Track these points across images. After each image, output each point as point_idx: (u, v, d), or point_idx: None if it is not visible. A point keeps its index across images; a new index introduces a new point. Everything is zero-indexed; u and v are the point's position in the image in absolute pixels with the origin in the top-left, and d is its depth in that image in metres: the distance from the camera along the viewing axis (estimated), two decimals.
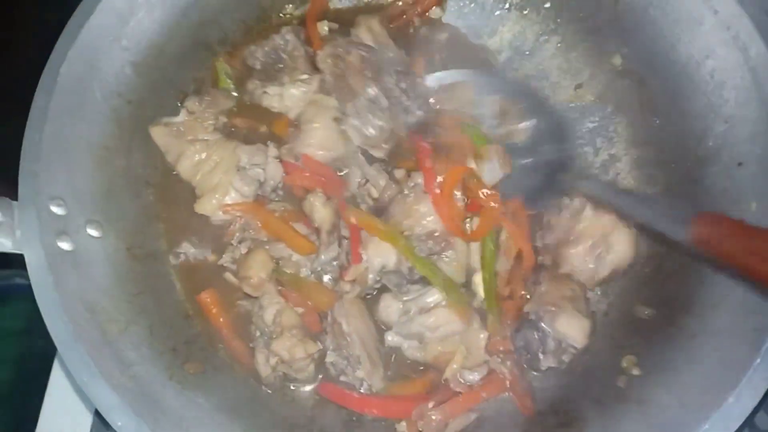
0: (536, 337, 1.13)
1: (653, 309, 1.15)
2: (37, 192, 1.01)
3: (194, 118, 1.26)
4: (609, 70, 1.33)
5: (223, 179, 1.21)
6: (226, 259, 1.23)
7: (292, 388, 1.18)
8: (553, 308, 1.13)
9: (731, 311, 1.00)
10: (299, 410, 1.17)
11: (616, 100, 1.34)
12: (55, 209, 1.03)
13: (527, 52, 1.42)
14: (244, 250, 1.22)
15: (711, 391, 0.91)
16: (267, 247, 1.21)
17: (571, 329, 1.12)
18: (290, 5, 1.42)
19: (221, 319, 1.20)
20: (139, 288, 1.13)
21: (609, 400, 1.07)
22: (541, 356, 1.13)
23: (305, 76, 1.30)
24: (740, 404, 0.88)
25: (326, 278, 1.21)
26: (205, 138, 1.24)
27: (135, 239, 1.17)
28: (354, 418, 1.16)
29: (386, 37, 1.35)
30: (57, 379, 1.31)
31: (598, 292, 1.24)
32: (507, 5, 1.43)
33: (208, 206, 1.21)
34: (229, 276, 1.22)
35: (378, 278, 1.18)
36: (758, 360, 0.89)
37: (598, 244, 1.18)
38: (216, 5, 1.31)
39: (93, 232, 1.09)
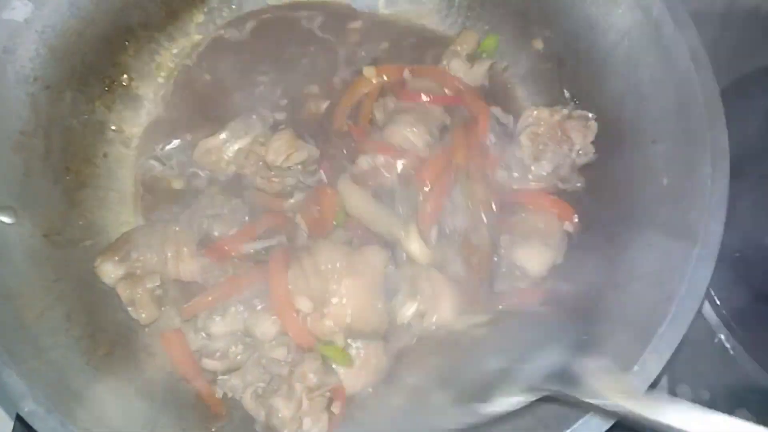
0: (494, 259, 1.18)
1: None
2: None
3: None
4: (532, 53, 1.35)
5: None
6: None
7: None
8: (518, 237, 1.17)
9: (645, 281, 1.02)
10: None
11: (538, 82, 1.36)
12: None
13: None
14: None
15: (619, 359, 0.92)
16: None
17: (528, 260, 1.16)
18: None
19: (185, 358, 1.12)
20: (58, 274, 1.11)
21: None
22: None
23: None
24: (645, 371, 0.90)
25: None
26: None
27: (53, 226, 1.14)
28: None
29: None
30: None
31: None
32: None
33: None
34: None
35: None
36: (663, 328, 0.91)
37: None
38: None
39: (5, 218, 1.06)
